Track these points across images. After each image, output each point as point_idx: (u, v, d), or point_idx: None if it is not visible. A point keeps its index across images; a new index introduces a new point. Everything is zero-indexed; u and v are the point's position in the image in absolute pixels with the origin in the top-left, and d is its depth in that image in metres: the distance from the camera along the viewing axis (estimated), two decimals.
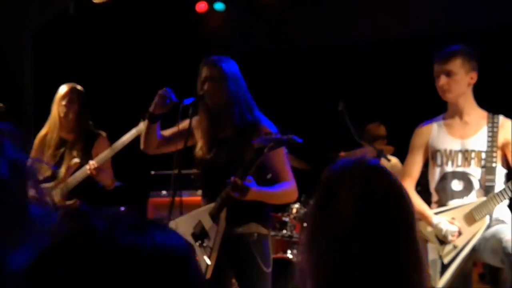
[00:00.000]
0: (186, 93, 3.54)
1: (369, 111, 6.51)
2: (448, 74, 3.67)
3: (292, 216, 5.79)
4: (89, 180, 4.38)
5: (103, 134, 4.61)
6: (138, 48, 7.73)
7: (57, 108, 4.52)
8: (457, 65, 3.66)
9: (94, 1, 7.04)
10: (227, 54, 3.64)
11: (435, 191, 3.82)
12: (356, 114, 4.64)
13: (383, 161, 5.22)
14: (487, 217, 3.60)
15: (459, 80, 3.67)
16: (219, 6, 7.98)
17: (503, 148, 3.68)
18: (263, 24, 7.89)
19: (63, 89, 4.55)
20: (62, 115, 4.49)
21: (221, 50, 3.65)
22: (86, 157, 4.44)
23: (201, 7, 7.97)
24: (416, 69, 3.84)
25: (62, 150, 4.51)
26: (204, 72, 3.53)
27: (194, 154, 3.61)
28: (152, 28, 7.72)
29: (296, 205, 5.83)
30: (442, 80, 3.68)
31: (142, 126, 4.33)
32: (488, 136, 3.67)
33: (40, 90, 6.32)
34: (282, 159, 3.50)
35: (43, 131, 4.63)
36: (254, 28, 7.85)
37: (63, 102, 4.49)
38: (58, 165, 4.50)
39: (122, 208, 4.65)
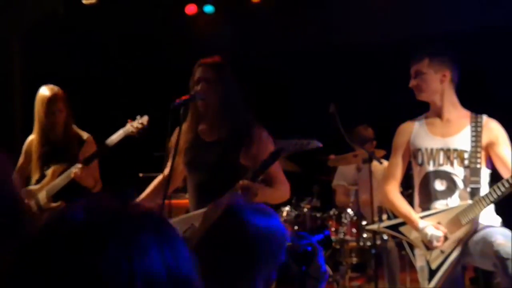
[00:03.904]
0: (175, 95, 3.49)
1: (359, 113, 6.50)
2: (417, 74, 3.70)
3: (282, 220, 5.75)
4: (75, 182, 4.33)
5: (90, 136, 4.56)
6: (127, 50, 7.69)
7: (43, 111, 4.44)
8: (424, 65, 3.68)
9: (84, 2, 7.00)
10: (215, 55, 3.60)
11: (417, 192, 3.76)
12: (347, 117, 4.61)
13: (375, 164, 5.20)
14: (474, 221, 3.56)
15: (428, 79, 3.68)
16: (208, 9, 7.96)
17: (487, 148, 3.63)
18: (253, 26, 7.87)
19: (48, 91, 4.46)
20: (51, 118, 4.42)
21: (210, 52, 3.61)
22: (73, 160, 4.39)
23: (191, 9, 7.94)
24: (407, 71, 3.81)
25: (49, 153, 4.46)
26: (198, 73, 3.49)
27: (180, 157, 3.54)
28: (141, 30, 7.68)
29: (287, 208, 5.80)
30: (412, 82, 3.73)
31: (129, 127, 4.29)
32: (472, 136, 3.63)
33: (28, 92, 6.28)
34: (276, 162, 3.47)
35: (32, 136, 4.56)
36: (244, 30, 7.83)
37: (52, 105, 4.41)
38: (45, 168, 4.45)
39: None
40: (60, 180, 4.36)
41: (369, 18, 7.28)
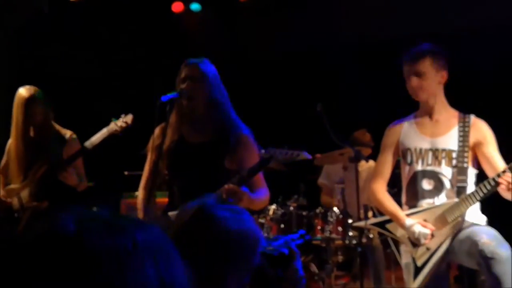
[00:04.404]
0: (161, 93, 3.48)
1: (348, 113, 6.51)
2: (419, 74, 3.64)
3: (268, 218, 5.75)
4: (59, 180, 4.29)
5: (73, 134, 4.51)
6: (113, 47, 7.65)
7: (21, 112, 4.36)
8: (426, 65, 3.64)
9: None
10: (202, 55, 3.60)
11: (405, 191, 3.78)
12: (335, 116, 4.62)
13: (361, 162, 5.21)
14: (460, 219, 3.57)
15: (429, 79, 3.64)
16: (195, 7, 7.94)
17: (474, 148, 3.65)
18: (240, 26, 7.86)
19: (24, 92, 4.39)
20: (29, 119, 4.35)
21: (197, 50, 3.60)
22: (54, 159, 4.34)
23: (177, 7, 7.92)
24: (395, 71, 3.81)
25: (30, 153, 4.40)
26: (185, 71, 3.47)
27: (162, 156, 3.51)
28: (127, 27, 7.65)
29: (273, 207, 5.80)
30: (414, 81, 3.65)
31: (113, 125, 4.26)
32: (459, 136, 3.65)
33: (15, 91, 6.23)
34: None
35: (12, 137, 4.49)
36: (230, 29, 7.82)
37: (30, 106, 4.34)
38: (27, 168, 4.39)
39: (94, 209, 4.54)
40: (40, 180, 4.30)
41: (359, 19, 7.28)
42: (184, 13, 7.95)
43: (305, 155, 3.15)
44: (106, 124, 4.30)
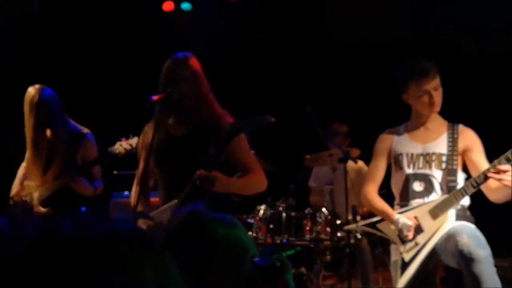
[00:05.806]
0: (152, 92, 3.48)
1: (335, 114, 6.53)
2: (438, 88, 3.76)
3: (257, 218, 5.76)
4: (67, 188, 4.21)
5: (88, 133, 4.41)
6: (103, 47, 7.64)
7: (28, 112, 4.27)
8: (438, 80, 3.76)
9: None
10: (193, 53, 3.60)
11: (397, 194, 3.90)
12: (324, 117, 4.64)
13: (350, 163, 5.24)
14: (450, 213, 3.66)
15: (441, 93, 3.78)
16: (185, 6, 7.95)
17: (463, 154, 3.78)
18: (229, 25, 7.87)
19: (31, 92, 4.25)
20: (38, 118, 4.27)
21: (187, 49, 3.61)
22: (71, 159, 4.28)
23: (168, 6, 7.92)
24: (382, 74, 3.85)
25: (47, 152, 4.32)
26: (172, 69, 3.46)
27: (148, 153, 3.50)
28: (118, 27, 7.64)
29: (262, 207, 5.81)
30: (437, 96, 3.75)
31: (117, 146, 4.07)
32: (449, 141, 3.78)
33: (4, 90, 6.22)
34: (245, 148, 3.46)
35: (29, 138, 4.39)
36: (221, 28, 7.83)
37: (37, 106, 4.24)
38: (42, 168, 4.31)
39: (83, 209, 4.50)
40: (52, 185, 4.23)
41: (350, 18, 7.31)
42: (174, 12, 7.96)
43: (269, 118, 3.13)
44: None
